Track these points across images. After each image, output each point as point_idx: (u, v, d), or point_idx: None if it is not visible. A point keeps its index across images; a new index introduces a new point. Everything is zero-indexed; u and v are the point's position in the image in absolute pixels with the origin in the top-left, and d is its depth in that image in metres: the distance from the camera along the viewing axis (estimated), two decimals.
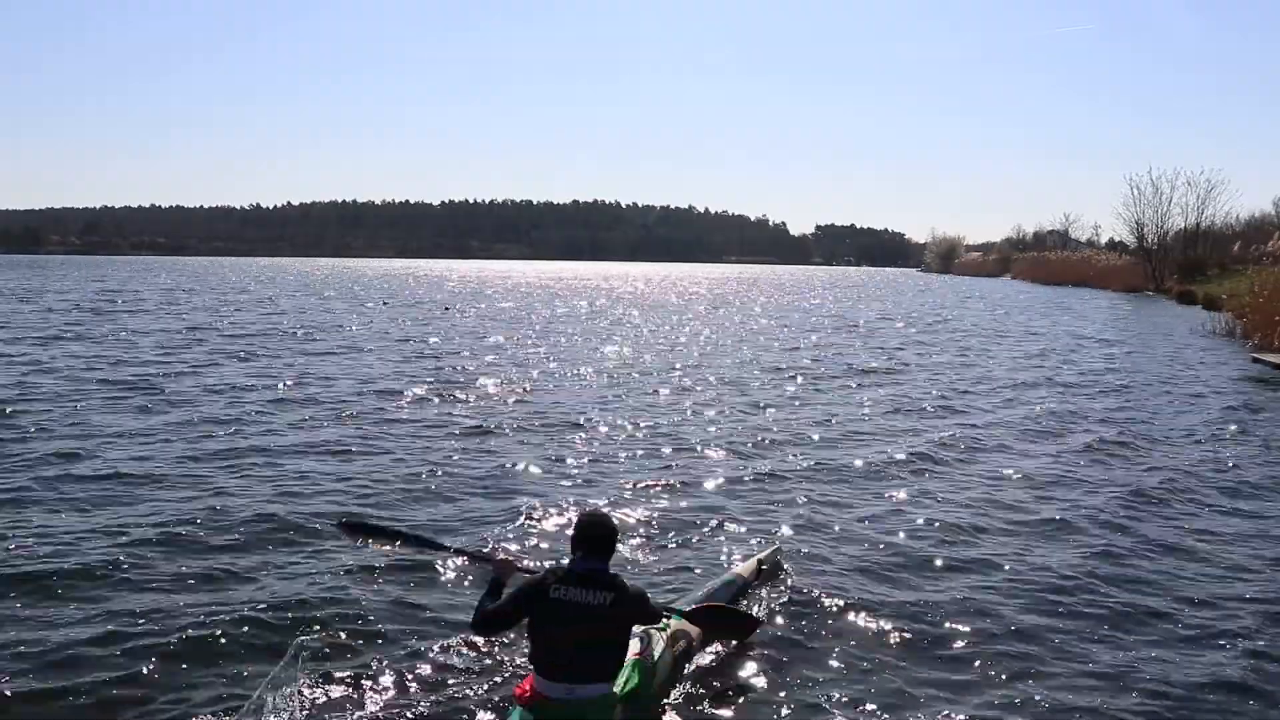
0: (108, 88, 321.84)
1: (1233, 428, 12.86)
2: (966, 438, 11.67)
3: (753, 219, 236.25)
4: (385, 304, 38.17)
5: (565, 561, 4.53)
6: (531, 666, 4.36)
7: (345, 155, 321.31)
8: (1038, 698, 4.97)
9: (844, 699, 4.92)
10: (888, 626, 5.79)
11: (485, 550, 6.40)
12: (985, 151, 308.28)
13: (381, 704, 4.76)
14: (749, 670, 5.27)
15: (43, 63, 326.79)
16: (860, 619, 5.88)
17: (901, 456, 10.42)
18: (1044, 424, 12.96)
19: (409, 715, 4.67)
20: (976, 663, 5.38)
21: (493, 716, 4.64)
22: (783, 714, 4.84)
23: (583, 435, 11.29)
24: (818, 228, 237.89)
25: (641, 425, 11.94)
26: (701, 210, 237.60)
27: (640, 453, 10.39)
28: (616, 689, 4.36)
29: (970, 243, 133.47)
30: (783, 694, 5.02)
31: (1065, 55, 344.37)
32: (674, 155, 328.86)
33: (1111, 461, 10.62)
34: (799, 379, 17.22)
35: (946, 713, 4.79)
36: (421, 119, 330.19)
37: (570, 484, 8.98)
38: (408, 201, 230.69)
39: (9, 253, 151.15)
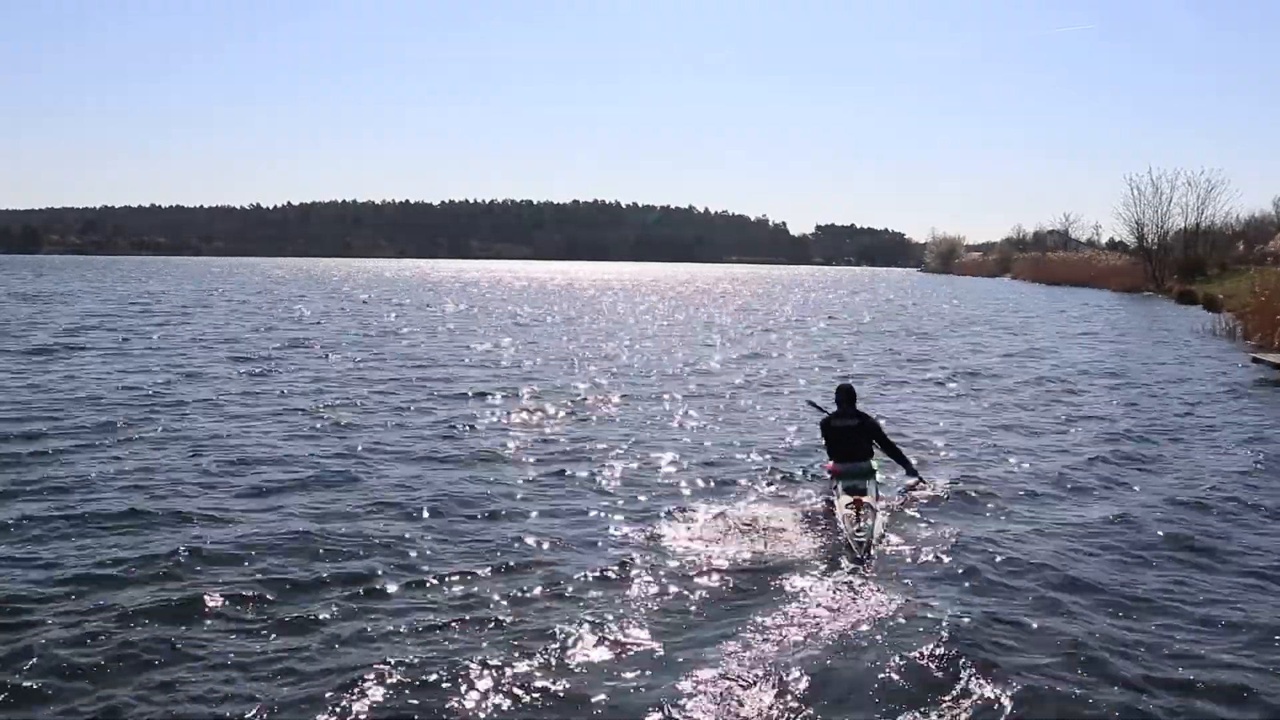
0: (108, 88, 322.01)
1: (1231, 429, 12.77)
2: (955, 440, 11.60)
3: (753, 219, 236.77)
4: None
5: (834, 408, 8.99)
6: (832, 459, 8.64)
7: (345, 155, 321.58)
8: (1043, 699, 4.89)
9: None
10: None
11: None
12: (985, 151, 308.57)
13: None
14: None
15: (43, 63, 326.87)
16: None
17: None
18: (1045, 424, 12.89)
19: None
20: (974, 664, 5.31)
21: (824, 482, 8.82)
22: None
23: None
24: (818, 228, 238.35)
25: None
26: (701, 210, 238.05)
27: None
28: (873, 463, 8.53)
29: (970, 243, 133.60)
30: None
31: (1065, 55, 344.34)
32: (674, 155, 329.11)
33: (1111, 463, 10.51)
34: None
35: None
36: (421, 119, 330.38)
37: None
38: (408, 201, 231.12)
39: (8, 253, 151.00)
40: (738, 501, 8.60)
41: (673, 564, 6.89)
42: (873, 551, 7.11)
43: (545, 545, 7.25)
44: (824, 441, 8.90)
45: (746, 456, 10.49)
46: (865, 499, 7.73)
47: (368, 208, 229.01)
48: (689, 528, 7.73)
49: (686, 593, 6.32)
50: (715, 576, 6.63)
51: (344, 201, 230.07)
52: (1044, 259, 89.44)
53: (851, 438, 8.62)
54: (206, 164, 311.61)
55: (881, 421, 9.57)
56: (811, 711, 4.79)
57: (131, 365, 17.19)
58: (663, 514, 8.12)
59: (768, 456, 10.46)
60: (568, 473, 9.54)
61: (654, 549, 7.23)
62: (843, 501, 7.81)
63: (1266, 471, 10.22)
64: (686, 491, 8.98)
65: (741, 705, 4.81)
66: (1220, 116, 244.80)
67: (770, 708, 4.80)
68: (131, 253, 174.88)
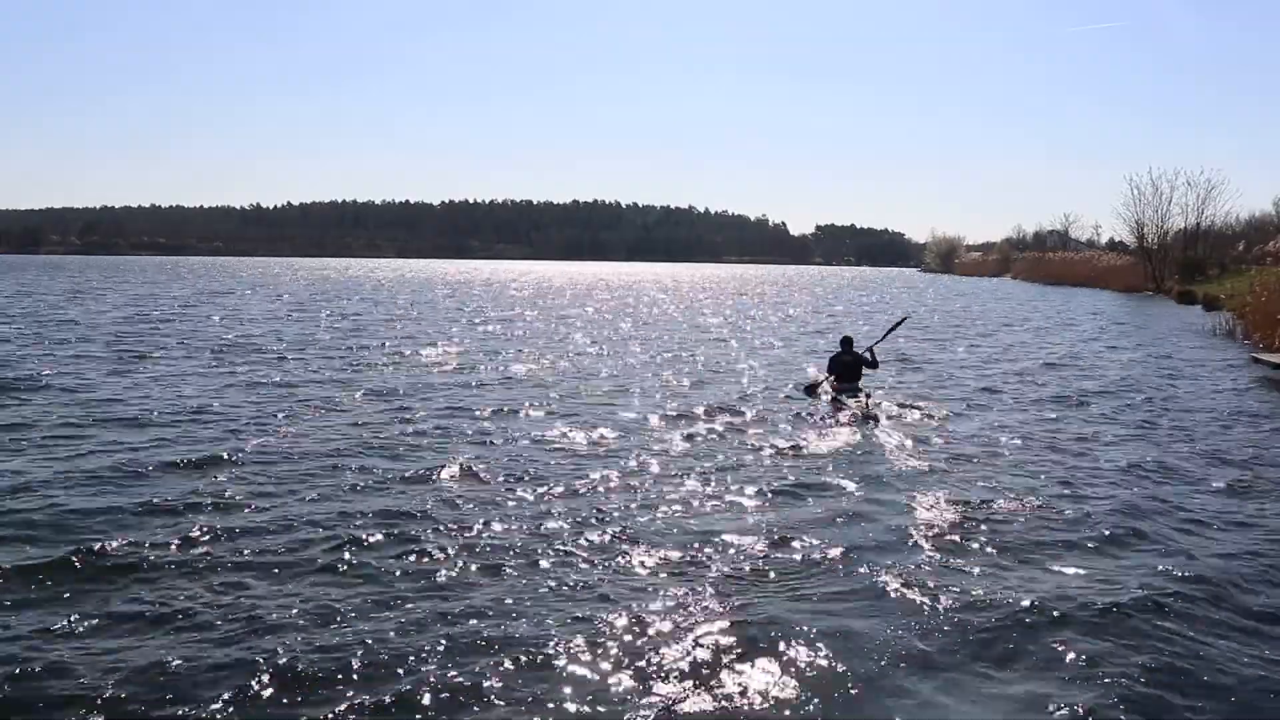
0: (108, 88, 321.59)
1: (1231, 429, 12.71)
2: (961, 442, 11.57)
3: (753, 219, 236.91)
4: None
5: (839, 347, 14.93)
6: (833, 378, 14.43)
7: (345, 155, 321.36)
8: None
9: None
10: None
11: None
12: (985, 151, 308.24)
13: None
14: None
15: (43, 63, 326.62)
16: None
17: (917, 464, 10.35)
18: (1044, 424, 12.83)
19: None
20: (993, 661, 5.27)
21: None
22: None
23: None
24: (818, 228, 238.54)
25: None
26: (701, 210, 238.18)
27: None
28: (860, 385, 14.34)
29: (970, 243, 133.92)
30: None
31: (1065, 55, 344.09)
32: (674, 155, 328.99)
33: (1109, 463, 10.47)
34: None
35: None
36: (421, 119, 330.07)
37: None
38: (408, 201, 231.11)
39: (8, 253, 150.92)
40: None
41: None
42: (870, 406, 13.06)
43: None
44: (829, 369, 14.57)
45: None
46: (860, 394, 13.86)
47: (368, 208, 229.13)
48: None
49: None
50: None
51: (343, 201, 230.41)
52: (1044, 259, 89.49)
53: (851, 367, 14.33)
54: (206, 164, 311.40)
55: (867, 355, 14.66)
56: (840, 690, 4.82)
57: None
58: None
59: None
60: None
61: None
62: (847, 399, 13.60)
63: (1267, 474, 10.17)
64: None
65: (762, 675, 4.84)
66: (1220, 116, 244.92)
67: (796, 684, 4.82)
68: (131, 253, 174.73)
